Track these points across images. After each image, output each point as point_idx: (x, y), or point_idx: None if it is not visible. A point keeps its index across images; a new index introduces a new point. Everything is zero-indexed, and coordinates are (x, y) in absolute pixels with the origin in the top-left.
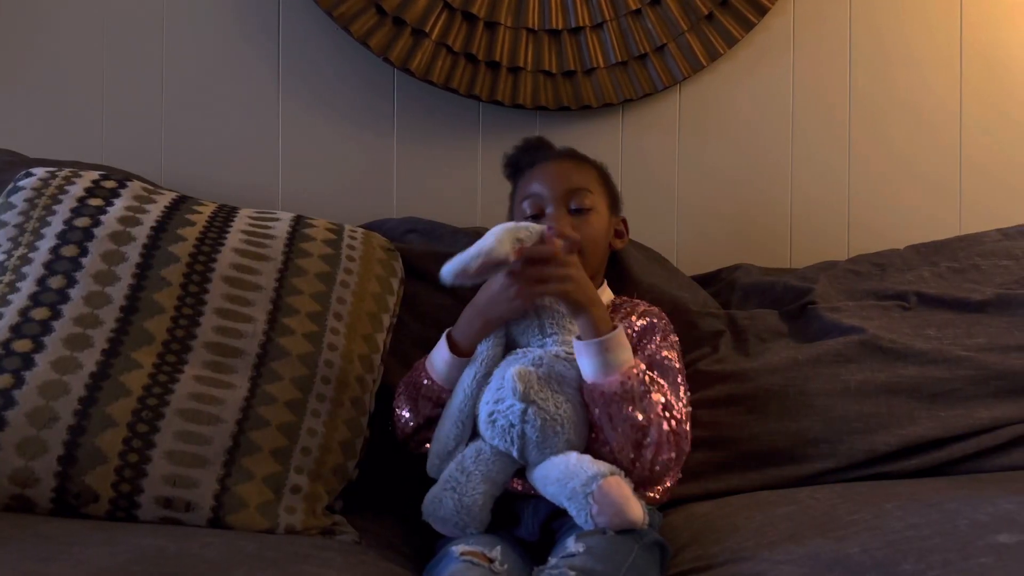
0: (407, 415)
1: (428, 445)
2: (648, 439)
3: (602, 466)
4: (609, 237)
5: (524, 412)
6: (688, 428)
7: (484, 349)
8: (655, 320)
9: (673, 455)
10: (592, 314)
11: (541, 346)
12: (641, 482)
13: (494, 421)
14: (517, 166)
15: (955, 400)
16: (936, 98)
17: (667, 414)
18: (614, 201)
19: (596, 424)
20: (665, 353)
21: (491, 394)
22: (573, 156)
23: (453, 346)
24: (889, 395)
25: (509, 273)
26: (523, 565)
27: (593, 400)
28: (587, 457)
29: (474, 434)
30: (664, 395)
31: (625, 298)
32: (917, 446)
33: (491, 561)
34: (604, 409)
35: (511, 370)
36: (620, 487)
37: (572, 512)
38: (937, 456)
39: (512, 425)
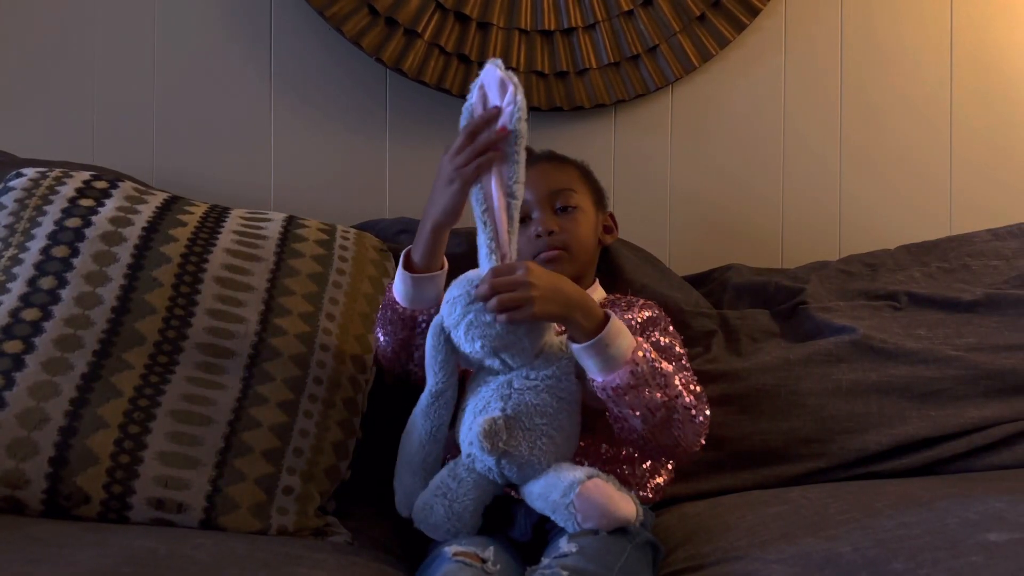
0: (382, 339)
1: (408, 376)
2: (676, 414)
3: (579, 472)
4: (598, 233)
5: (498, 461)
6: (700, 388)
7: (432, 404)
8: (658, 312)
9: (706, 412)
10: (575, 318)
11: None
12: (689, 457)
13: (472, 462)
14: None
15: (945, 400)
16: (927, 98)
17: (681, 380)
18: (599, 197)
19: (618, 417)
20: (668, 340)
21: (465, 433)
22: (552, 158)
23: (408, 264)
24: (880, 395)
25: (446, 153)
26: (516, 565)
27: (608, 396)
28: (565, 465)
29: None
30: (669, 364)
31: (619, 296)
32: (908, 445)
33: (484, 561)
34: (621, 401)
35: (476, 427)
36: (599, 488)
37: (561, 523)
38: (928, 455)
39: (490, 469)
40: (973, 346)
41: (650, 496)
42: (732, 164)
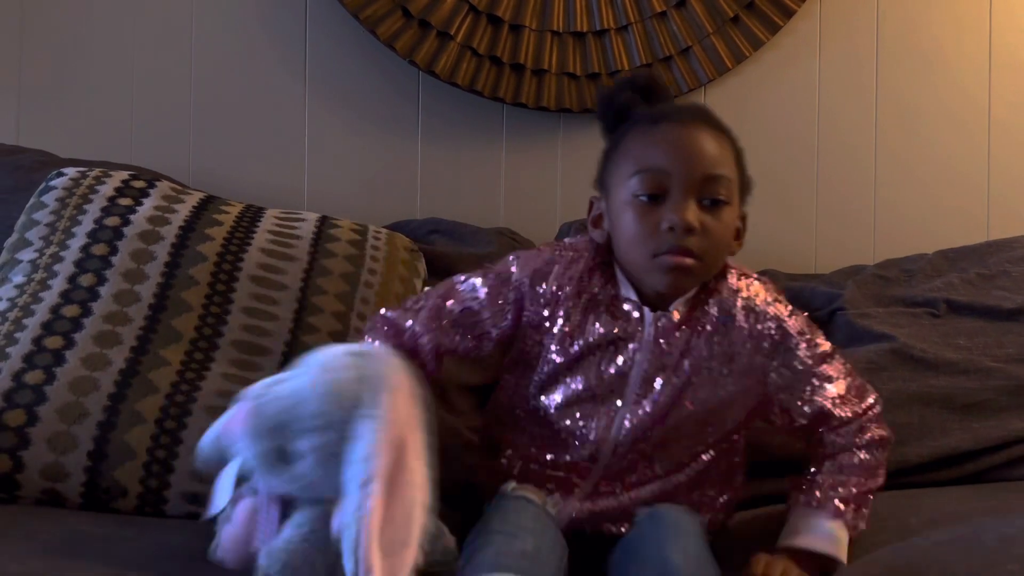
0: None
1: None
2: (884, 452)
3: None
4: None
5: None
6: (859, 380)
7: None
8: (790, 320)
9: (873, 403)
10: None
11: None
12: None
13: None
14: (624, 114)
15: (988, 412)
16: (965, 102)
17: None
18: (745, 187)
19: None
20: (806, 350)
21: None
22: (710, 122)
23: None
24: (921, 405)
25: None
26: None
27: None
28: None
29: None
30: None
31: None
32: (949, 458)
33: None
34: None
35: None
36: None
37: None
38: (968, 468)
39: None
40: (1014, 357)
41: (720, 517)
42: (765, 167)
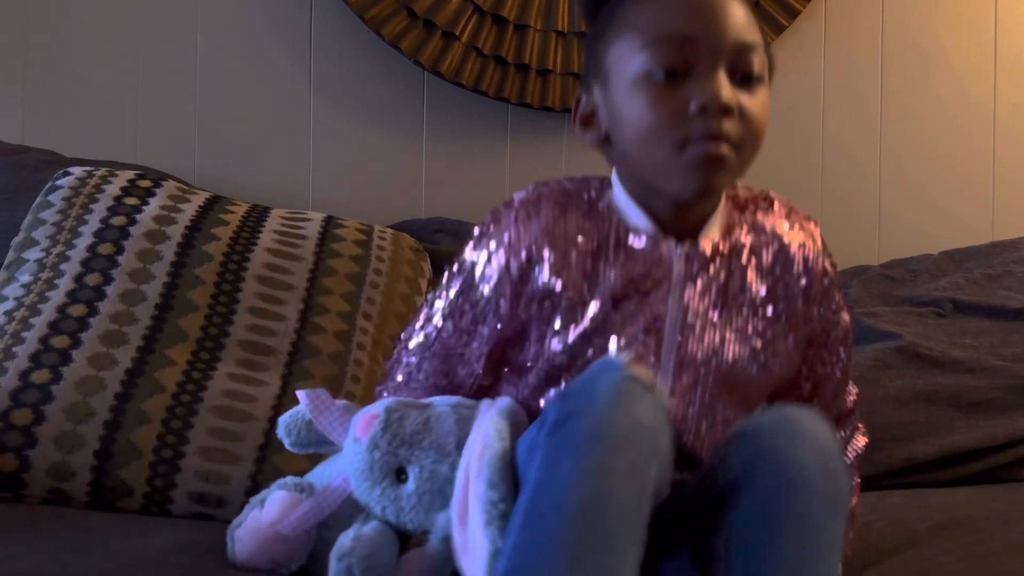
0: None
1: None
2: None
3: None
4: None
5: None
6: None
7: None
8: (822, 260)
9: (859, 440)
10: None
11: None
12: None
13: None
14: None
15: (994, 410)
16: (969, 103)
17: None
18: (772, 68)
19: None
20: (847, 318)
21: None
22: None
23: None
24: (928, 403)
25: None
26: None
27: None
28: None
29: None
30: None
31: (744, 191)
32: (956, 456)
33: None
34: None
35: None
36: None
37: None
38: (975, 466)
39: None
40: (1020, 356)
41: None
42: (769, 166)
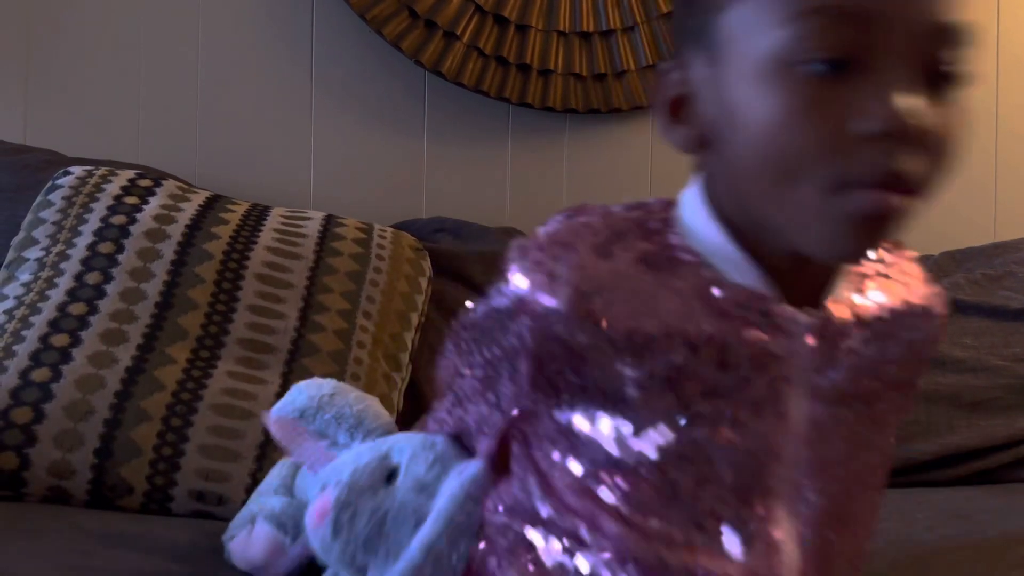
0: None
1: None
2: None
3: None
4: None
5: None
6: None
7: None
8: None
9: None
10: None
11: None
12: None
13: None
14: None
15: (995, 410)
16: (973, 102)
17: None
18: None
19: None
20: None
21: None
22: None
23: None
24: (928, 403)
25: None
26: None
27: None
28: None
29: None
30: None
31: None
32: (956, 456)
33: None
34: None
35: None
36: None
37: None
38: (975, 466)
39: None
40: (1020, 356)
41: None
42: None
